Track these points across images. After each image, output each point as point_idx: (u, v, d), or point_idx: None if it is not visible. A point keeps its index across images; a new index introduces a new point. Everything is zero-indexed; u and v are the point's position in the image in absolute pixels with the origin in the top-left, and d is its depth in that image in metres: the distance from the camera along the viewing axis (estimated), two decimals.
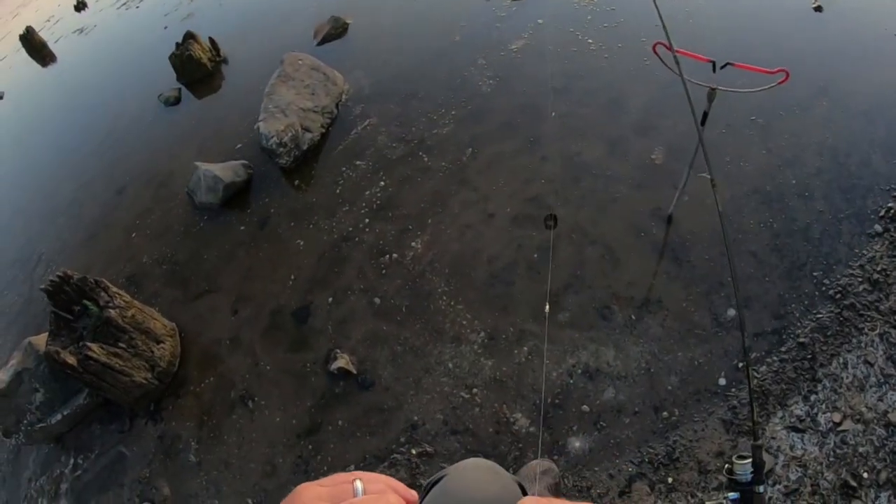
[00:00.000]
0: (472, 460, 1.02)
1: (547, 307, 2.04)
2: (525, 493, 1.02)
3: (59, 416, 2.78)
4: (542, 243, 2.58)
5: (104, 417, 2.84)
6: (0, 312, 3.90)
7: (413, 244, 2.84)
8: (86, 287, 2.67)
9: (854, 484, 1.71)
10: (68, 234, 4.22)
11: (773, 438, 1.86)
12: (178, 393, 2.75)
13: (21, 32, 8.49)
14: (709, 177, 1.77)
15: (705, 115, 1.91)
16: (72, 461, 2.75)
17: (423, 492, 0.99)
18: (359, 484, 0.53)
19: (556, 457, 2.00)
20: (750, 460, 1.32)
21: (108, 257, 3.74)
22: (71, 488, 2.65)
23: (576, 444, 2.02)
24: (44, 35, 8.75)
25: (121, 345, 2.62)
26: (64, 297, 2.69)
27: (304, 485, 0.54)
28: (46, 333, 2.75)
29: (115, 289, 2.74)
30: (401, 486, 0.58)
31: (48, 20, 10.05)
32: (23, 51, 8.53)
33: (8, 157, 6.00)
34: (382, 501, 0.51)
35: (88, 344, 2.50)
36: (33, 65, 8.19)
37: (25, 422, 2.78)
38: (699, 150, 1.84)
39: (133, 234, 3.76)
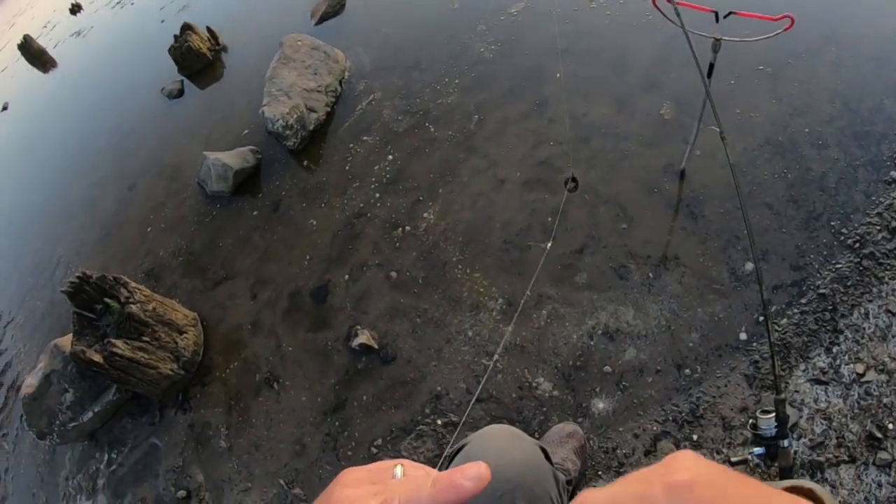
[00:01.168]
0: (492, 427, 1.01)
1: (549, 245, 2.01)
2: (548, 457, 1.01)
3: (90, 414, 2.83)
4: (556, 206, 2.55)
5: (134, 411, 2.88)
6: (24, 318, 3.97)
7: (425, 215, 2.83)
8: (105, 285, 2.69)
9: (879, 435, 1.68)
10: (84, 234, 4.27)
11: (797, 392, 1.83)
12: (204, 381, 2.78)
13: (19, 42, 8.52)
14: (717, 129, 1.74)
15: (711, 66, 1.86)
16: (106, 456, 2.80)
17: (447, 461, 0.98)
18: (399, 469, 0.53)
19: (580, 419, 1.99)
20: (773, 414, 1.31)
21: (125, 253, 3.77)
22: (107, 483, 2.71)
23: (599, 405, 2.01)
24: (42, 42, 8.79)
25: (144, 338, 2.64)
26: (85, 296, 2.72)
27: (348, 469, 0.55)
28: (71, 334, 2.78)
29: (134, 284, 2.76)
30: (440, 475, 0.58)
31: (45, 27, 10.10)
32: (23, 60, 8.58)
33: (20, 165, 6.07)
34: (419, 481, 0.50)
35: (112, 340, 2.53)
36: (34, 72, 8.23)
37: (58, 422, 2.84)
38: (707, 103, 1.80)
39: (148, 229, 3.79)
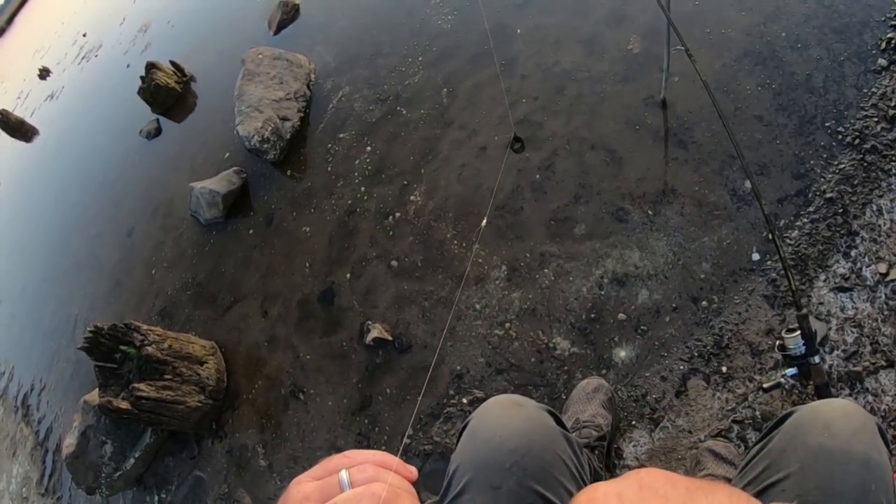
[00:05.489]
0: (492, 399, 0.99)
1: (484, 222, 1.97)
2: (557, 419, 0.99)
3: (131, 460, 2.86)
4: (542, 162, 2.51)
5: (174, 449, 2.91)
6: (55, 382, 4.04)
7: (413, 198, 2.79)
8: (118, 333, 2.70)
9: None
10: (94, 287, 4.31)
11: (821, 304, 1.76)
12: (233, 405, 2.79)
13: None
14: (683, 48, 1.68)
15: None
16: (156, 498, 2.84)
17: (456, 440, 0.97)
18: (344, 475, 0.52)
19: (604, 372, 1.95)
20: (798, 332, 1.26)
21: (136, 299, 3.80)
22: None
23: (621, 354, 1.97)
24: (19, 113, 8.87)
25: (167, 376, 2.65)
26: (102, 348, 2.74)
27: (295, 480, 0.54)
28: (97, 388, 2.80)
29: (146, 326, 2.77)
30: (393, 460, 0.56)
31: (18, 97, 10.18)
32: (4, 134, 8.62)
33: (22, 234, 6.14)
34: (367, 496, 0.49)
35: (136, 385, 2.54)
36: (18, 144, 8.31)
37: (103, 475, 2.88)
38: (671, 26, 1.74)
39: (153, 270, 3.81)
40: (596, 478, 1.06)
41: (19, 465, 3.97)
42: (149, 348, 2.64)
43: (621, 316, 2.03)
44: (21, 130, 8.38)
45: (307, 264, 2.94)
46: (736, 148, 1.45)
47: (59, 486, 3.48)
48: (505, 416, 0.92)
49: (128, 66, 6.59)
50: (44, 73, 9.54)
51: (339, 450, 1.99)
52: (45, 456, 3.76)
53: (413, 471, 0.56)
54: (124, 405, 2.53)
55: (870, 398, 1.58)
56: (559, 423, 0.98)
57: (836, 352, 1.67)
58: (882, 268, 1.75)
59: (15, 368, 4.71)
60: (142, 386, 2.54)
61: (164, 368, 2.66)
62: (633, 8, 2.82)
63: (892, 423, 1.52)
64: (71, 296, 4.47)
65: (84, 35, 9.27)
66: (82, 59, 8.51)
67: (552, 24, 3.02)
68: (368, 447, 2.21)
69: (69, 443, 2.96)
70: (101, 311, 4.05)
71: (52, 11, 14.15)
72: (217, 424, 2.80)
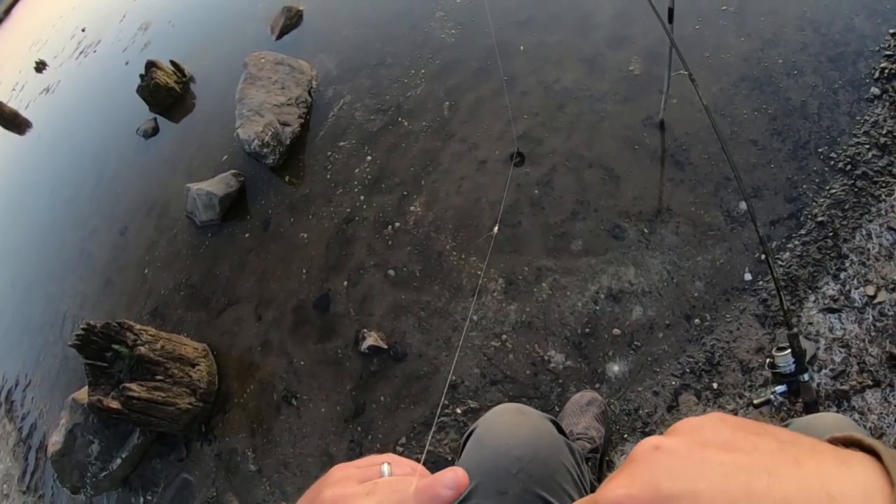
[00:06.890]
0: (498, 407, 1.02)
1: (496, 229, 2.01)
2: (560, 429, 1.01)
3: (118, 461, 2.84)
4: (541, 178, 2.54)
5: (161, 450, 2.89)
6: (41, 379, 3.99)
7: (412, 208, 2.81)
8: (111, 332, 2.68)
9: None
10: (85, 285, 4.28)
11: (811, 324, 1.81)
12: (224, 409, 2.79)
13: None
14: (685, 72, 1.72)
15: (671, 11, 1.84)
16: (142, 499, 2.81)
17: (461, 448, 0.99)
18: (386, 467, 0.56)
19: (597, 385, 1.98)
20: (789, 350, 1.29)
21: (128, 298, 3.78)
22: None
23: (614, 368, 2.00)
24: (13, 105, 8.78)
25: (158, 377, 2.65)
26: (94, 346, 2.71)
27: (338, 465, 0.57)
28: (87, 386, 2.78)
29: (139, 326, 2.76)
30: (425, 472, 0.60)
31: (13, 89, 10.07)
32: None
33: (14, 229, 6.08)
34: (406, 482, 0.52)
35: (127, 385, 2.53)
36: (11, 136, 8.22)
37: (89, 474, 2.85)
38: (674, 50, 1.78)
39: (146, 270, 3.79)
40: (593, 488, 1.09)
41: (0, 462, 3.92)
42: (141, 348, 2.63)
43: (615, 331, 2.06)
44: (14, 123, 8.31)
45: (303, 270, 2.95)
46: (734, 170, 1.49)
47: (42, 483, 3.44)
48: (511, 424, 0.95)
49: (127, 63, 6.57)
50: (40, 67, 9.47)
51: (331, 457, 2.01)
52: (28, 453, 3.71)
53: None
54: (115, 405, 2.52)
55: (856, 416, 1.62)
56: (561, 431, 1.01)
57: (824, 370, 1.72)
58: (870, 290, 1.80)
59: (0, 363, 4.66)
60: (133, 386, 2.53)
61: (155, 369, 2.66)
62: (634, 29, 2.88)
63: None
64: (61, 292, 4.44)
65: (83, 30, 9.23)
66: (80, 54, 8.46)
67: (554, 42, 3.06)
68: (361, 455, 2.22)
69: (55, 440, 2.94)
70: (92, 308, 4.02)
71: (50, 5, 14.07)
72: (206, 427, 2.79)
